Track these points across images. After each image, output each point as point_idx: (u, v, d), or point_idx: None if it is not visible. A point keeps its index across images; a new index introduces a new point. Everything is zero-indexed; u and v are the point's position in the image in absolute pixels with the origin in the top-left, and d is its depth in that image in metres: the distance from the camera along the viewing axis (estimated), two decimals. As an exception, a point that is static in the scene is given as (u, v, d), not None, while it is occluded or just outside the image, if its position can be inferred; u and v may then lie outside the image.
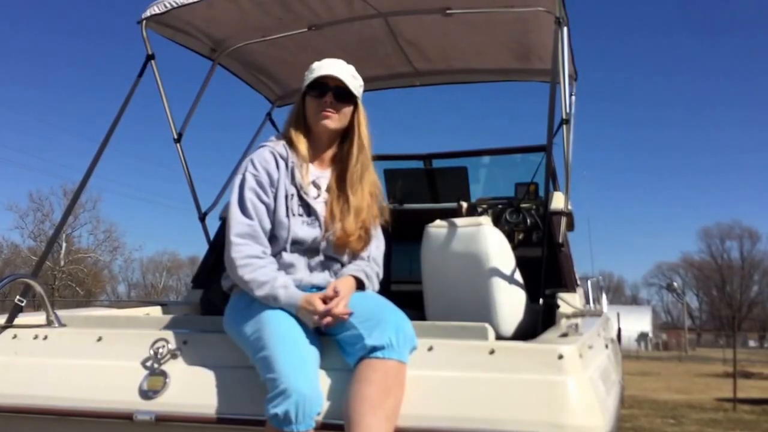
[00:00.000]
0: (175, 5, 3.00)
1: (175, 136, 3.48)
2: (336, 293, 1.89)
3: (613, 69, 78.05)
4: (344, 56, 2.22)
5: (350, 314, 1.85)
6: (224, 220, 3.58)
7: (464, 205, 3.47)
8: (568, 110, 2.75)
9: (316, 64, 2.14)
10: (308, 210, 2.08)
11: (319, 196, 2.11)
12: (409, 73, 4.04)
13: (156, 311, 3.11)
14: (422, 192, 4.03)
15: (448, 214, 2.91)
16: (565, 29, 2.73)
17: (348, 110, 2.12)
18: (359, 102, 2.16)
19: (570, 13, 2.79)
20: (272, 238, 2.04)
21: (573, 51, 3.14)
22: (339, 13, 3.26)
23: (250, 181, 2.03)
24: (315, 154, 2.15)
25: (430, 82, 4.17)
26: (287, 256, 2.04)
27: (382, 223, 2.21)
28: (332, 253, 2.10)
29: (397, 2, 3.19)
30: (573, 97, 3.40)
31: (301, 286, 1.99)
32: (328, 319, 1.84)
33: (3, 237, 42.15)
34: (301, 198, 2.07)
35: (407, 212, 3.68)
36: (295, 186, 2.07)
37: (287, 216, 2.04)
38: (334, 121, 2.10)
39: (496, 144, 4.08)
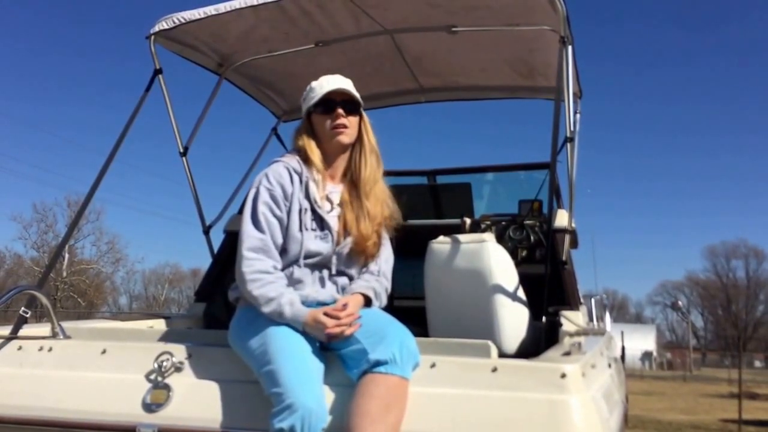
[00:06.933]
0: (183, 21, 3.03)
1: (181, 150, 3.50)
2: (344, 308, 1.90)
3: (620, 90, 78.38)
4: (350, 72, 2.25)
5: (357, 329, 1.86)
6: (228, 234, 3.59)
7: (467, 221, 3.47)
8: (572, 128, 2.76)
9: (315, 83, 2.18)
10: (321, 224, 2.09)
11: (332, 210, 2.13)
12: (414, 90, 4.07)
13: (159, 324, 3.11)
14: (426, 208, 4.03)
15: (451, 230, 2.91)
16: (570, 48, 2.75)
17: (356, 121, 2.17)
18: (362, 111, 2.20)
19: (575, 33, 2.81)
20: (284, 251, 2.05)
21: (578, 69, 3.16)
22: (346, 30, 3.29)
23: (264, 195, 2.05)
24: (328, 169, 2.17)
25: (435, 99, 4.19)
26: (298, 271, 2.05)
27: (391, 234, 2.23)
28: (344, 266, 2.11)
29: (403, 20, 3.22)
30: (578, 116, 3.41)
31: (307, 303, 1.99)
32: (335, 330, 1.85)
33: (6, 247, 42.33)
34: (314, 212, 2.08)
35: (410, 228, 3.68)
36: (309, 200, 2.09)
37: (300, 230, 2.05)
38: (348, 135, 2.13)
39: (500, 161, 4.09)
